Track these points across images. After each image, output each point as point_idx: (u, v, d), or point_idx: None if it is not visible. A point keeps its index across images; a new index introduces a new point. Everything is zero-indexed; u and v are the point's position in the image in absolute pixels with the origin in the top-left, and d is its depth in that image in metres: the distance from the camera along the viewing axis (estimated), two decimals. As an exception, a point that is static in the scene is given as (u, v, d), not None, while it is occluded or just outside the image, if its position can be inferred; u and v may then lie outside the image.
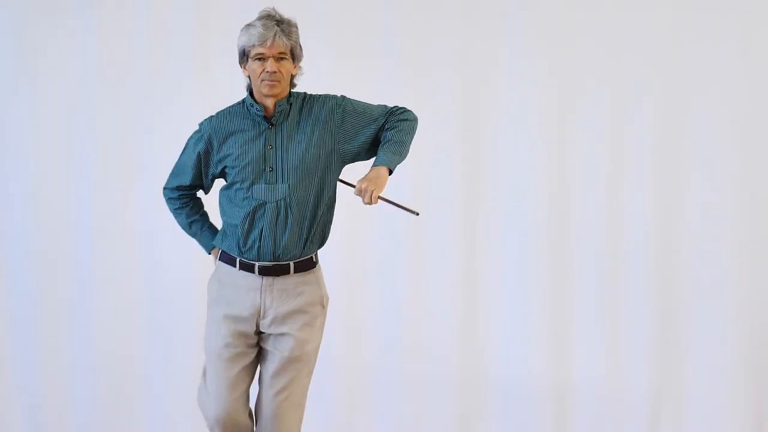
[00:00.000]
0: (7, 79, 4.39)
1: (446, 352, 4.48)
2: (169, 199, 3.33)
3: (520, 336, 4.47)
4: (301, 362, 3.15)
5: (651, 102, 4.42)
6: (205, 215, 3.35)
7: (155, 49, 4.39)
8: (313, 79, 4.31)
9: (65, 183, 4.42)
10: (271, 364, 3.15)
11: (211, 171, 3.20)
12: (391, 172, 3.06)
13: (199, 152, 3.17)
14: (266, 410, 3.17)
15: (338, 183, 3.19)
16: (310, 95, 3.17)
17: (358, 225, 4.39)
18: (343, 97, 3.17)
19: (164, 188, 3.33)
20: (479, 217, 4.46)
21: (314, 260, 3.20)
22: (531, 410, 4.46)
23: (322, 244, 3.22)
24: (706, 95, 4.40)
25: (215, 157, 3.16)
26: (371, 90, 4.38)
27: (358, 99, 3.19)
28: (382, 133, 3.14)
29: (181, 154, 3.26)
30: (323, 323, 3.25)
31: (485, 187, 4.44)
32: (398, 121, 3.14)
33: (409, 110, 3.18)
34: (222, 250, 3.19)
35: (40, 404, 4.44)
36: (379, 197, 3.00)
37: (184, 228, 3.36)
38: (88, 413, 4.44)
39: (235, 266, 3.15)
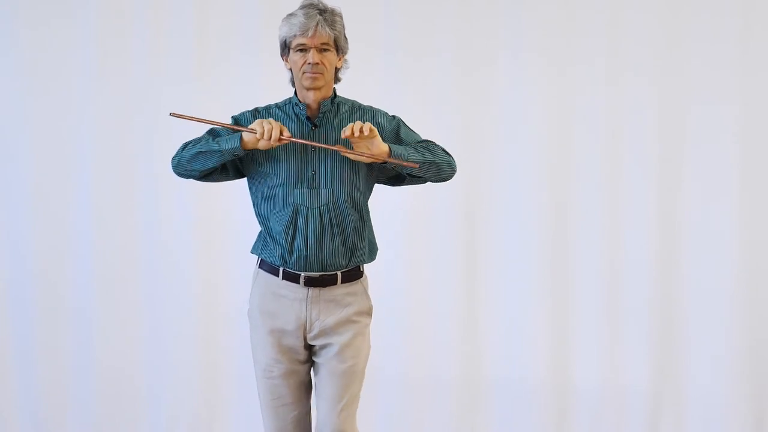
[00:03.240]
0: (6, 79, 4.39)
1: (447, 353, 4.48)
2: (181, 150, 2.99)
3: (520, 336, 4.47)
4: (356, 374, 2.99)
5: (653, 103, 4.41)
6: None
7: (156, 48, 4.39)
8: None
9: (65, 183, 4.41)
10: (328, 380, 2.98)
11: (246, 162, 2.97)
12: (389, 154, 2.86)
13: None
14: (328, 428, 2.98)
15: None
16: (361, 105, 3.02)
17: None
18: (395, 118, 3.03)
19: (174, 158, 3.00)
20: (480, 218, 4.46)
21: (361, 270, 3.03)
22: (531, 411, 4.46)
23: (372, 253, 3.05)
24: (708, 96, 4.40)
25: (253, 153, 2.92)
26: (371, 88, 4.41)
27: (407, 125, 3.03)
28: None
29: (213, 128, 2.99)
30: (369, 334, 3.07)
31: (486, 188, 4.44)
32: (434, 148, 2.97)
33: (450, 156, 3.00)
34: (262, 259, 3.01)
35: (41, 404, 4.44)
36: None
37: (203, 151, 2.92)
38: (89, 413, 4.44)
39: (277, 276, 2.97)
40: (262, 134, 2.81)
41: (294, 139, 2.86)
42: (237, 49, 4.39)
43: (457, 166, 3.04)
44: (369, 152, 2.84)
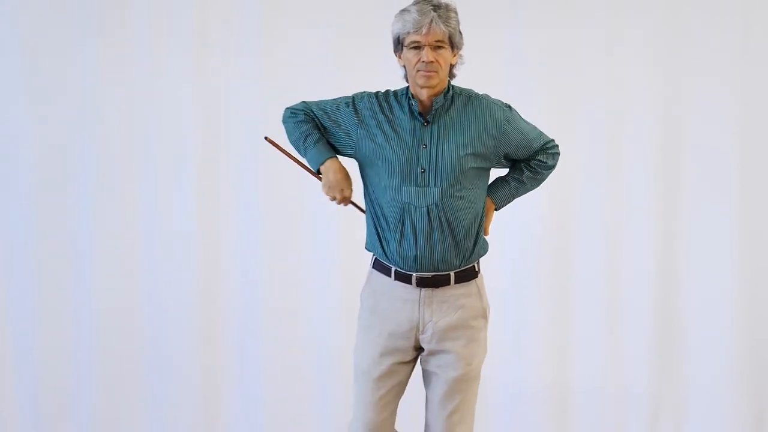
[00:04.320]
0: (7, 79, 4.39)
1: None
2: (292, 112, 2.99)
3: (520, 337, 4.47)
4: (469, 381, 2.92)
5: (653, 105, 4.41)
6: (323, 136, 2.97)
7: (156, 48, 4.39)
8: (314, 77, 4.38)
9: (66, 182, 4.41)
10: (440, 387, 2.92)
11: (350, 147, 2.93)
12: (497, 209, 3.03)
13: (348, 117, 2.91)
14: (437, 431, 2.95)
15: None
16: (477, 95, 2.92)
17: (359, 225, 4.39)
18: (510, 108, 2.94)
19: (298, 104, 2.99)
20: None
21: (476, 269, 2.95)
22: (531, 411, 4.46)
23: (484, 251, 2.98)
24: (708, 96, 4.40)
25: (362, 143, 2.90)
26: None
27: (520, 116, 2.99)
28: (525, 162, 3.00)
29: (329, 102, 2.96)
30: (486, 336, 2.99)
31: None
32: (544, 167, 3.02)
33: (558, 153, 3.04)
34: (376, 258, 2.96)
35: (41, 404, 4.44)
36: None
37: (296, 140, 2.97)
38: (89, 413, 4.44)
39: (389, 276, 2.90)
40: (326, 193, 2.92)
41: (354, 203, 2.99)
42: (237, 49, 4.39)
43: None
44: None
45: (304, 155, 2.96)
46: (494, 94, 3.02)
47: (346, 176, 2.94)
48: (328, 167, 2.89)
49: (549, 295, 4.47)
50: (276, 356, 4.45)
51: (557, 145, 3.06)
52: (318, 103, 2.99)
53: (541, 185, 3.13)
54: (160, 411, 4.45)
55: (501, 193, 3.03)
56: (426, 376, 2.98)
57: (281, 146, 2.98)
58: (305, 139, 2.95)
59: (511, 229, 4.43)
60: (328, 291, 4.44)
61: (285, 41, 4.39)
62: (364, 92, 2.97)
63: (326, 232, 4.43)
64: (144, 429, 4.46)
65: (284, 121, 3.02)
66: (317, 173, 2.94)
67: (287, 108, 3.02)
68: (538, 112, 4.41)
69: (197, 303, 4.44)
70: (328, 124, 2.95)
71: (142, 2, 4.38)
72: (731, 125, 4.40)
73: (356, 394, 2.98)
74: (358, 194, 3.04)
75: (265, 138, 2.98)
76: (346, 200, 2.95)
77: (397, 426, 3.11)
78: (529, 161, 3.02)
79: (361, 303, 3.01)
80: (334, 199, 2.93)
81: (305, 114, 2.97)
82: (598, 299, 4.46)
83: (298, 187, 4.42)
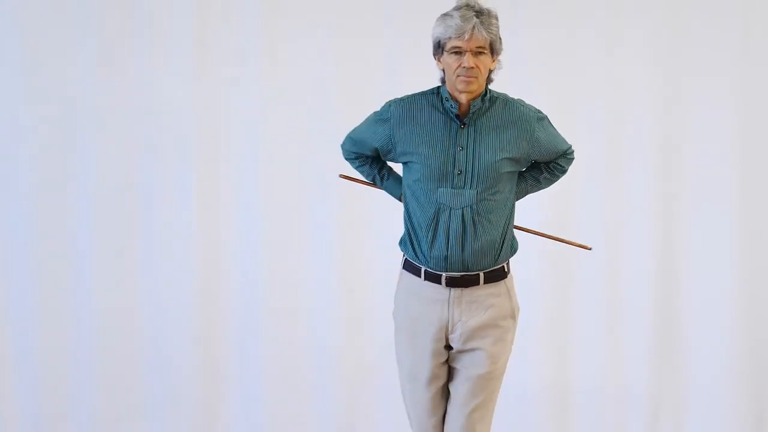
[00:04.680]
0: (7, 79, 4.39)
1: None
2: (347, 158, 3.14)
3: (520, 337, 4.46)
4: (493, 379, 2.96)
5: (652, 107, 4.42)
6: (387, 168, 3.10)
7: (156, 48, 4.39)
8: (314, 77, 4.38)
9: (66, 182, 4.41)
10: (464, 384, 2.95)
11: (391, 156, 2.99)
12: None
13: (379, 133, 2.96)
14: (457, 427, 2.97)
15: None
16: (512, 100, 2.95)
17: (358, 225, 4.39)
18: (544, 116, 2.99)
19: (342, 146, 3.11)
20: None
21: (506, 270, 3.00)
22: (531, 411, 4.46)
23: (513, 252, 3.04)
24: (708, 97, 4.41)
25: (399, 147, 2.93)
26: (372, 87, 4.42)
27: (551, 124, 3.05)
28: (545, 164, 3.07)
29: (361, 125, 3.04)
30: (513, 337, 3.05)
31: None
32: (560, 171, 3.11)
33: (573, 158, 3.13)
34: (406, 259, 2.99)
35: (41, 404, 4.43)
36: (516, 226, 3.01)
37: (368, 179, 3.15)
38: (89, 413, 4.44)
39: (419, 276, 2.93)
40: None
41: None
42: (237, 49, 4.39)
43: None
44: None
45: (381, 186, 3.14)
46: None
47: None
48: None
49: (549, 295, 4.47)
50: (276, 356, 4.45)
51: (574, 151, 3.14)
52: (355, 140, 3.07)
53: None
54: (160, 411, 4.44)
55: (518, 189, 3.06)
56: (452, 374, 3.01)
57: (357, 179, 3.09)
58: (374, 180, 3.12)
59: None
60: (328, 291, 4.44)
61: (285, 40, 4.39)
62: (390, 101, 2.99)
63: (326, 232, 4.43)
64: (144, 429, 4.46)
65: (344, 153, 3.17)
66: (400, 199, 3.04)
67: (343, 144, 3.15)
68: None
69: (197, 303, 4.44)
70: (371, 148, 3.03)
71: (142, 2, 4.38)
72: (731, 125, 4.41)
73: (408, 398, 3.02)
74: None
75: (340, 176, 3.09)
76: None
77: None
78: (548, 164, 3.09)
79: (395, 305, 3.06)
80: None
81: (356, 157, 3.10)
82: (598, 299, 4.46)
83: (298, 187, 4.43)
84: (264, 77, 4.39)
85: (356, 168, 3.13)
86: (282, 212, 4.44)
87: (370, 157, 3.09)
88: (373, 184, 3.16)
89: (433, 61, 4.27)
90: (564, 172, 3.14)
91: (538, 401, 4.47)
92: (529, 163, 3.05)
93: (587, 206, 4.44)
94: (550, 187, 4.40)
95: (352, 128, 3.10)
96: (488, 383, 2.95)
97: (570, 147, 3.11)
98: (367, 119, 3.03)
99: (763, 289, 4.45)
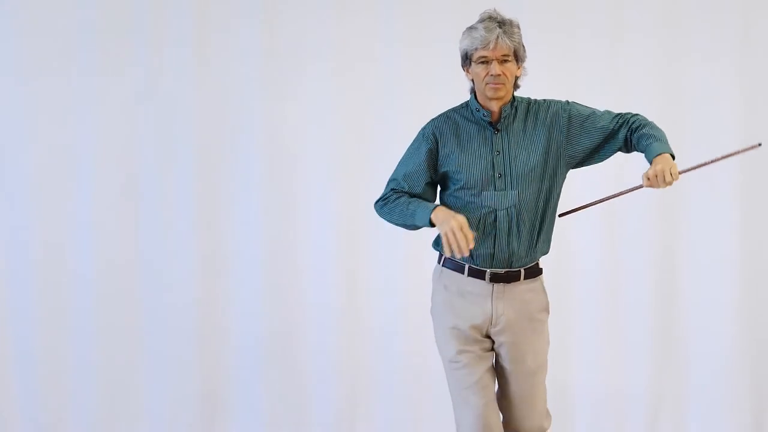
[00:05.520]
0: (7, 79, 4.39)
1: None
2: (382, 207, 3.10)
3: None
4: (539, 372, 3.12)
5: (653, 108, 4.41)
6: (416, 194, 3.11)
7: (156, 47, 4.40)
8: (316, 77, 4.38)
9: (66, 183, 4.41)
10: (511, 381, 3.10)
11: (436, 171, 3.08)
12: (673, 157, 2.92)
13: (428, 149, 3.06)
14: (531, 427, 3.14)
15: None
16: (535, 100, 3.12)
17: (358, 225, 4.39)
18: (568, 102, 3.12)
19: (385, 195, 3.10)
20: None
21: (540, 266, 3.15)
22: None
23: (547, 250, 3.17)
24: (708, 97, 4.41)
25: (439, 160, 3.07)
26: (373, 89, 4.42)
27: (581, 104, 3.12)
28: (630, 137, 3.05)
29: (403, 161, 3.11)
30: (548, 328, 3.18)
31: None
32: (642, 125, 3.03)
33: (641, 115, 3.08)
34: (445, 258, 3.10)
35: (41, 404, 4.44)
36: (679, 172, 2.90)
37: (400, 216, 3.06)
38: (89, 413, 4.44)
39: (462, 273, 3.07)
40: (451, 250, 2.88)
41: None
42: (237, 49, 4.40)
43: None
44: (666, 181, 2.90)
45: (414, 222, 3.05)
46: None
47: (450, 210, 2.99)
48: (437, 214, 2.96)
49: (549, 295, 4.46)
50: (276, 356, 4.45)
51: (637, 114, 3.08)
52: (407, 174, 3.08)
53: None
54: (160, 411, 4.45)
55: (655, 146, 2.99)
56: (500, 370, 3.13)
57: (578, 207, 3.11)
58: (407, 210, 3.04)
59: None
60: (328, 291, 4.44)
61: (285, 41, 4.40)
62: (426, 124, 3.10)
63: (326, 232, 4.43)
64: (144, 429, 4.46)
65: (379, 211, 3.12)
66: (432, 226, 3.01)
67: (377, 202, 3.12)
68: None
69: (197, 303, 4.44)
70: (425, 178, 3.07)
71: (142, 2, 4.38)
72: (731, 125, 4.41)
73: (454, 386, 3.08)
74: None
75: (560, 215, 3.12)
76: (463, 224, 2.92)
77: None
78: (628, 132, 3.07)
79: (433, 301, 3.16)
80: (458, 229, 2.90)
81: (393, 191, 3.09)
82: (598, 300, 4.46)
83: (298, 187, 4.43)
84: (264, 76, 4.40)
85: (392, 204, 3.09)
86: (282, 212, 4.44)
87: (407, 194, 3.10)
88: (589, 204, 3.17)
89: (432, 70, 4.28)
90: (647, 124, 3.05)
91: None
92: (584, 154, 3.09)
93: (587, 208, 4.43)
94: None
95: (392, 171, 3.13)
96: (534, 377, 3.11)
97: (627, 113, 3.08)
98: (408, 151, 3.11)
99: (763, 289, 4.45)
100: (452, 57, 3.17)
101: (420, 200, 3.06)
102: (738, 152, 3.00)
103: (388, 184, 3.12)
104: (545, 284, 3.18)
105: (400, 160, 3.12)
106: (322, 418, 4.46)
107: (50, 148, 4.40)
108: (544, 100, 3.12)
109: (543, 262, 4.39)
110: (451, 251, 2.88)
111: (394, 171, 3.13)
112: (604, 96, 4.40)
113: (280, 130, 4.43)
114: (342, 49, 4.41)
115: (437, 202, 3.12)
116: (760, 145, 2.98)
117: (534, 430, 3.15)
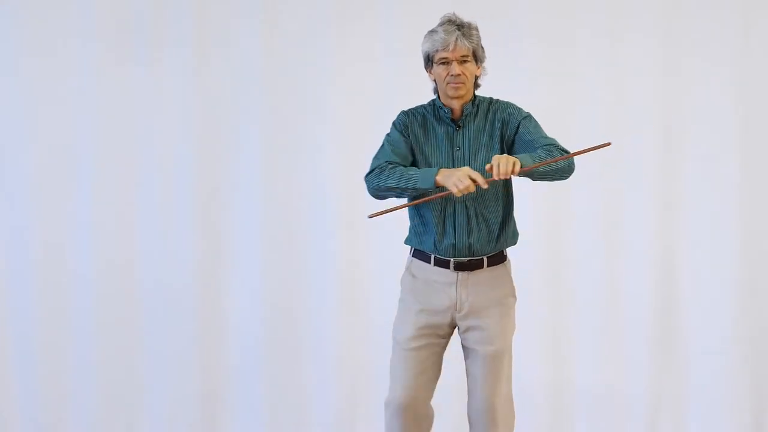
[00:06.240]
0: (7, 79, 4.39)
1: (447, 355, 4.47)
2: (380, 168, 3.14)
3: (520, 338, 4.46)
4: (503, 354, 3.24)
5: (653, 108, 4.42)
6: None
7: (156, 47, 4.40)
8: (316, 78, 4.38)
9: (66, 183, 4.41)
10: (476, 362, 3.23)
11: (413, 155, 3.21)
12: (522, 166, 2.98)
13: (403, 136, 3.20)
14: (478, 407, 3.26)
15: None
16: (497, 100, 3.25)
17: (359, 225, 4.39)
18: (529, 116, 3.21)
19: (374, 170, 3.15)
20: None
21: (504, 254, 3.29)
22: (531, 411, 4.46)
23: (514, 239, 3.30)
24: (708, 97, 4.41)
25: (414, 150, 3.21)
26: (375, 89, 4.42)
27: (535, 125, 3.19)
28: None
29: (385, 146, 3.19)
30: (515, 313, 3.32)
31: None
32: (555, 153, 3.07)
33: (561, 146, 3.13)
34: (415, 249, 3.26)
35: (41, 404, 4.43)
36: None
37: (398, 180, 3.11)
38: (89, 413, 4.44)
39: (429, 262, 3.22)
40: (459, 191, 2.98)
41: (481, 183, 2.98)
42: (237, 49, 4.40)
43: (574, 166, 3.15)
44: (503, 175, 2.95)
45: (414, 185, 3.10)
46: (494, 95, 3.25)
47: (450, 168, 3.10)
48: (442, 173, 3.04)
49: (549, 295, 4.47)
50: (276, 356, 4.45)
51: (566, 150, 3.12)
52: (392, 144, 3.20)
53: (560, 175, 3.14)
54: (160, 411, 4.45)
55: (526, 156, 3.07)
56: (466, 351, 3.28)
57: (386, 209, 3.13)
58: (407, 173, 3.11)
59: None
60: (328, 291, 4.44)
61: (285, 41, 4.40)
62: (398, 116, 3.26)
63: (327, 232, 4.43)
64: (144, 429, 4.46)
65: (372, 181, 3.16)
66: (436, 187, 3.08)
67: (367, 175, 3.17)
68: (539, 112, 4.42)
69: (197, 303, 4.44)
70: (410, 158, 3.20)
71: (142, 2, 4.38)
72: (731, 125, 4.41)
73: (393, 367, 3.26)
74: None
75: (370, 216, 3.15)
76: (473, 178, 2.99)
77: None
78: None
79: (402, 287, 3.30)
80: (473, 183, 2.98)
81: (388, 162, 3.16)
82: (598, 300, 4.45)
83: (298, 188, 4.43)
84: (264, 76, 4.40)
85: (389, 172, 3.13)
86: (282, 213, 4.44)
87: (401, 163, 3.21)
88: (403, 205, 3.18)
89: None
90: (556, 148, 3.11)
91: (538, 401, 4.46)
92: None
93: (587, 206, 4.44)
94: (549, 186, 4.44)
95: (374, 155, 3.21)
96: (500, 358, 3.23)
97: (554, 141, 3.14)
98: (387, 139, 3.23)
99: (763, 289, 4.45)
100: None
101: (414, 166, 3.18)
102: (587, 150, 3.05)
103: (375, 161, 3.17)
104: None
105: (380, 148, 3.20)
106: (322, 418, 4.46)
107: (50, 148, 4.40)
108: (506, 102, 3.24)
109: (543, 262, 4.46)
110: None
111: (378, 155, 3.18)
112: (603, 96, 4.42)
113: (280, 130, 4.43)
114: (342, 49, 4.41)
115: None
116: (609, 144, 3.05)
117: (497, 410, 3.24)
